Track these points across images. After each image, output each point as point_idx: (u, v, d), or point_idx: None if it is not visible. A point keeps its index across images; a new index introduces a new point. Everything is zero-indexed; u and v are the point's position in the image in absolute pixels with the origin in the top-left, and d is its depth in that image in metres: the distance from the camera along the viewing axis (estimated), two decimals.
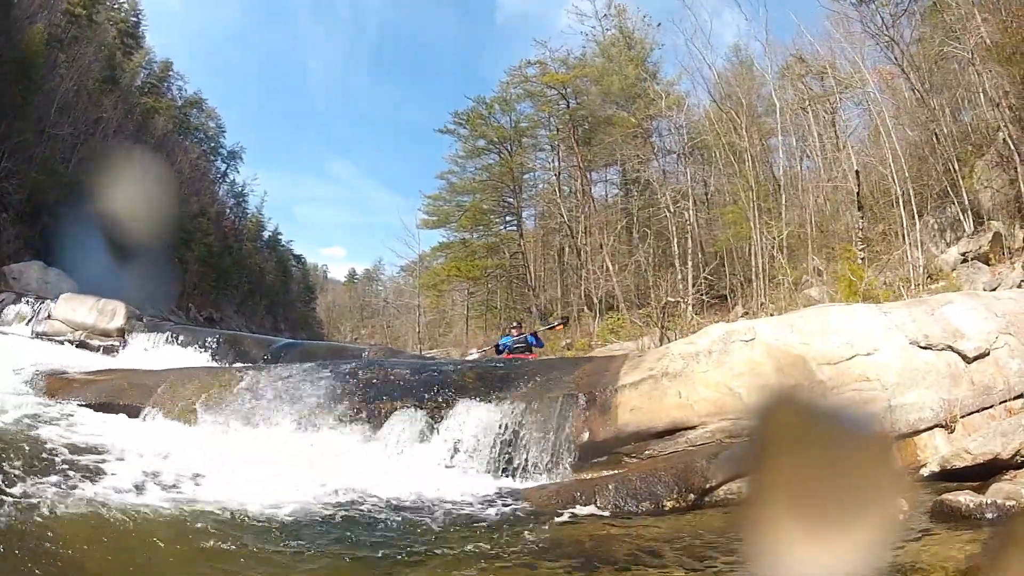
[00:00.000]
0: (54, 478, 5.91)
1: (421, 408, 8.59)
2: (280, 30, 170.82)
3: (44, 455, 6.71)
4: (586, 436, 7.71)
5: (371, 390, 9.24)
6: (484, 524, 5.95)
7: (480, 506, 6.53)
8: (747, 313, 25.48)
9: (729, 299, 29.30)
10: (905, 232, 22.77)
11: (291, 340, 24.72)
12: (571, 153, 42.96)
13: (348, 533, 5.41)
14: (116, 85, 62.04)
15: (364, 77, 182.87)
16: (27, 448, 6.92)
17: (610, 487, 6.65)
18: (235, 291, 78.95)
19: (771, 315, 17.06)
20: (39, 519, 4.75)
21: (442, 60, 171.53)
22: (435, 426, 8.27)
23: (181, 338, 18.63)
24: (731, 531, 5.57)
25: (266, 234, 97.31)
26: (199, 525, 5.12)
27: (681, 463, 6.97)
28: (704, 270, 30.02)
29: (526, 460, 7.65)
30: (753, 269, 26.78)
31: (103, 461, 6.73)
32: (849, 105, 29.89)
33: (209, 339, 18.79)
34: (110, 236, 38.38)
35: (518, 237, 46.68)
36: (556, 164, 45.45)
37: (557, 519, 6.08)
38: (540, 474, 7.50)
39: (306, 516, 5.72)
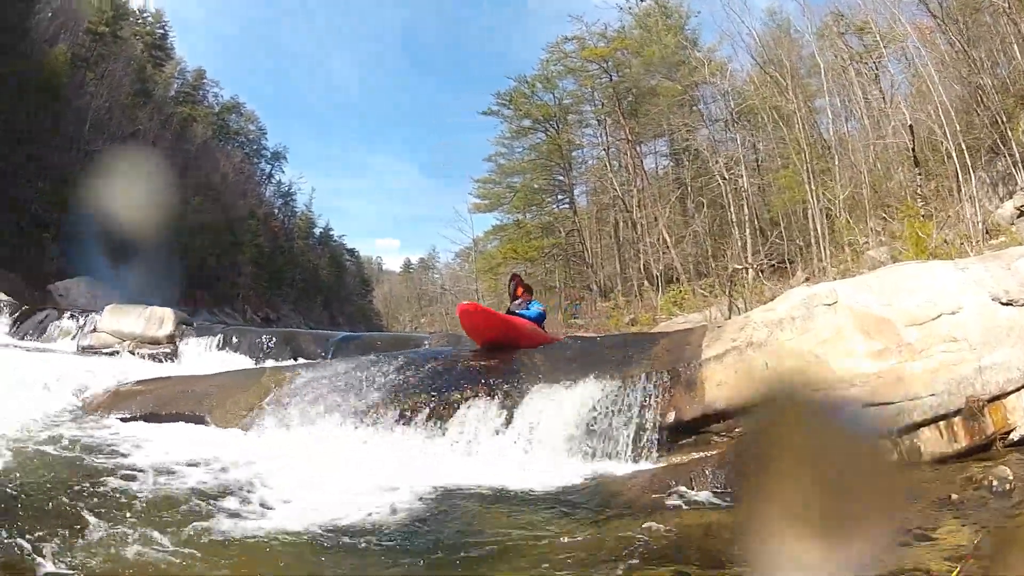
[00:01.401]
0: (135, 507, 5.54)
1: (492, 397, 8.22)
2: (302, 29, 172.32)
3: (105, 474, 6.40)
4: (672, 416, 7.31)
5: (437, 381, 8.92)
6: (574, 518, 5.57)
7: (566, 498, 6.16)
8: (808, 279, 24.86)
9: (789, 265, 29.00)
10: (960, 187, 22.34)
11: (349, 333, 24.22)
12: (618, 127, 42.40)
13: (435, 535, 5.15)
14: (149, 97, 62.91)
15: (395, 68, 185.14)
16: (85, 464, 6.76)
17: (707, 471, 6.25)
18: (290, 289, 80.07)
19: (834, 279, 16.76)
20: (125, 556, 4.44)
21: (474, 45, 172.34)
22: (509, 416, 7.89)
23: (234, 340, 18.63)
24: None
25: (317, 231, 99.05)
26: (289, 545, 4.88)
27: None
28: (769, 236, 29.70)
29: (610, 446, 7.26)
30: (812, 233, 26.35)
31: (168, 476, 6.47)
32: (890, 63, 29.51)
33: (263, 339, 18.82)
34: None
35: (572, 215, 46.37)
36: (604, 139, 45.00)
37: (652, 509, 5.61)
38: (626, 460, 7.11)
39: (383, 522, 5.41)
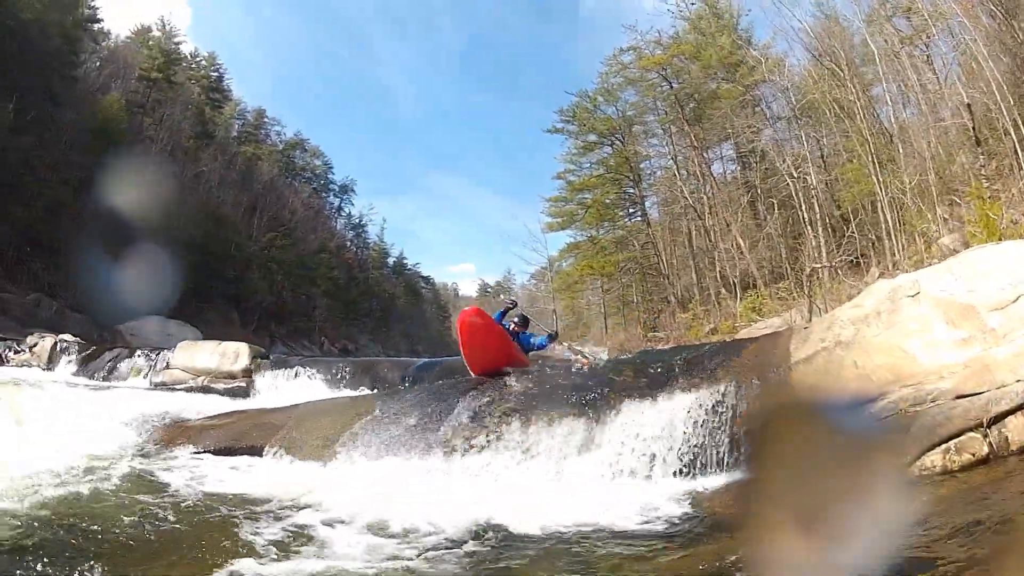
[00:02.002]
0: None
1: (580, 416, 7.99)
2: (361, 59, 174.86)
3: (176, 510, 6.37)
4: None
5: (520, 402, 8.73)
6: (666, 541, 5.47)
7: (658, 518, 6.06)
8: (882, 273, 24.49)
9: (862, 261, 28.72)
10: (1020, 164, 21.93)
11: (430, 359, 23.64)
12: (683, 134, 41.94)
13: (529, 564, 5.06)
14: (211, 139, 64.61)
15: (456, 90, 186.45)
16: (158, 499, 6.68)
17: None
18: (367, 320, 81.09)
19: (907, 272, 16.48)
20: None
21: (529, 62, 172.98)
22: (597, 435, 7.71)
23: (311, 371, 18.22)
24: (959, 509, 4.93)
25: (391, 260, 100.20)
26: None
27: (876, 441, 6.35)
28: (844, 232, 29.25)
29: (701, 458, 7.12)
30: (883, 226, 25.85)
31: (238, 512, 6.42)
32: (940, 42, 29.14)
33: (341, 369, 18.39)
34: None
35: (645, 227, 45.61)
36: (671, 148, 44.28)
37: (748, 527, 5.49)
38: (719, 472, 6.98)
39: (460, 552, 5.36)
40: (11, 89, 39.26)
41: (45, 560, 4.57)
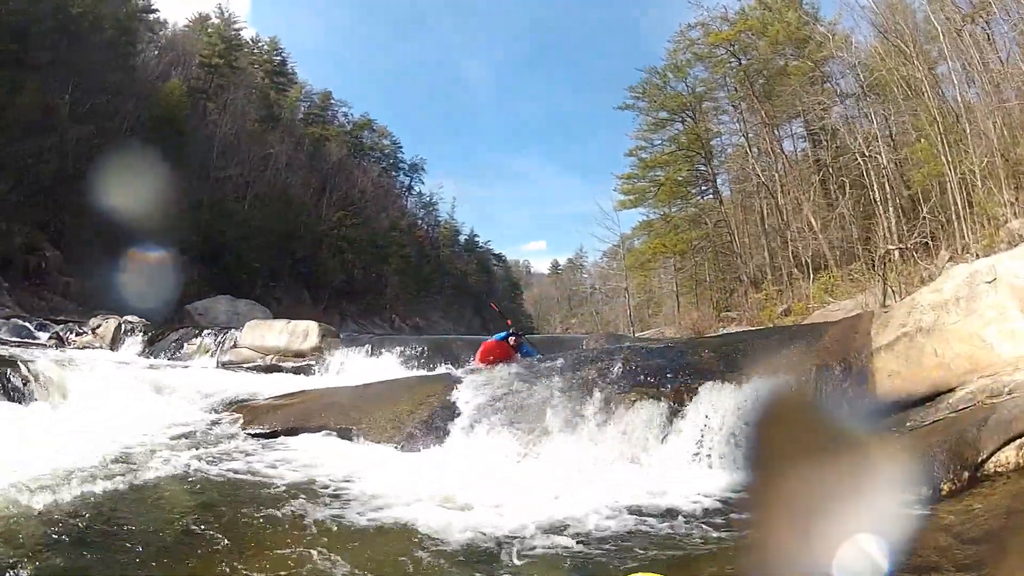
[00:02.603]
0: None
1: (660, 399, 7.94)
2: (429, 40, 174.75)
3: (246, 490, 6.52)
4: (845, 410, 7.05)
5: (600, 383, 8.61)
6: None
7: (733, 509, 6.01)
8: (952, 257, 24.15)
9: (931, 244, 28.43)
10: None
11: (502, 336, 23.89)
12: (753, 111, 41.54)
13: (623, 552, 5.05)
14: (277, 122, 65.68)
15: (527, 68, 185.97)
16: (227, 479, 6.85)
17: None
18: (439, 297, 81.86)
19: (977, 256, 16.14)
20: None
21: (598, 41, 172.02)
22: (677, 418, 7.63)
23: (384, 350, 18.10)
24: None
25: (462, 238, 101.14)
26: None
27: (951, 434, 6.06)
28: (916, 213, 28.88)
29: None
30: (953, 209, 25.65)
31: (307, 495, 6.34)
32: (1000, 22, 28.69)
33: (415, 347, 18.33)
34: None
35: (718, 204, 45.31)
36: (742, 125, 43.81)
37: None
38: None
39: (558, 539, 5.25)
40: (65, 80, 40.48)
41: (122, 544, 4.75)
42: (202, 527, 5.26)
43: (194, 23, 66.75)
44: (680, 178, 46.86)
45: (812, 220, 33.90)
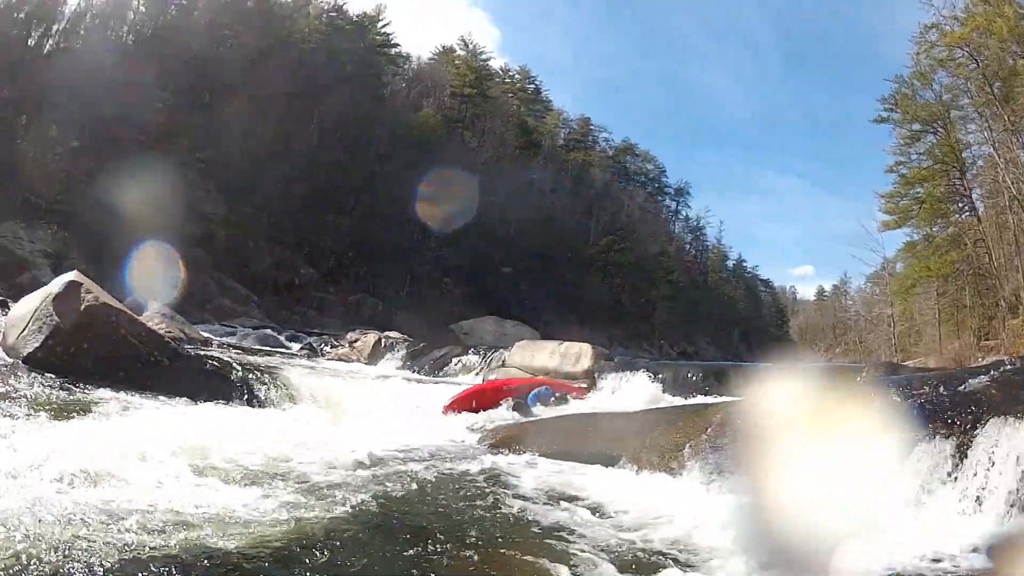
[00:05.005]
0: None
1: (947, 436, 6.97)
2: (673, 56, 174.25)
3: (506, 508, 6.39)
4: None
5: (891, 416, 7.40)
6: None
7: None
8: None
9: None
10: None
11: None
12: (996, 117, 38.48)
13: None
14: (538, 148, 67.24)
15: (774, 85, 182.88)
16: (488, 498, 6.70)
17: None
18: (706, 323, 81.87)
19: None
20: None
21: (852, 48, 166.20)
22: (959, 458, 6.72)
23: (659, 375, 17.57)
24: None
25: (730, 263, 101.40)
26: None
27: None
28: None
29: None
30: None
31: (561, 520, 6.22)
32: None
33: (689, 373, 18.04)
34: None
35: (975, 222, 42.07)
36: (988, 133, 40.33)
37: None
38: None
39: None
40: (310, 112, 43.46)
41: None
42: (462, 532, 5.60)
43: (439, 56, 69.45)
44: (938, 194, 44.05)
45: None
